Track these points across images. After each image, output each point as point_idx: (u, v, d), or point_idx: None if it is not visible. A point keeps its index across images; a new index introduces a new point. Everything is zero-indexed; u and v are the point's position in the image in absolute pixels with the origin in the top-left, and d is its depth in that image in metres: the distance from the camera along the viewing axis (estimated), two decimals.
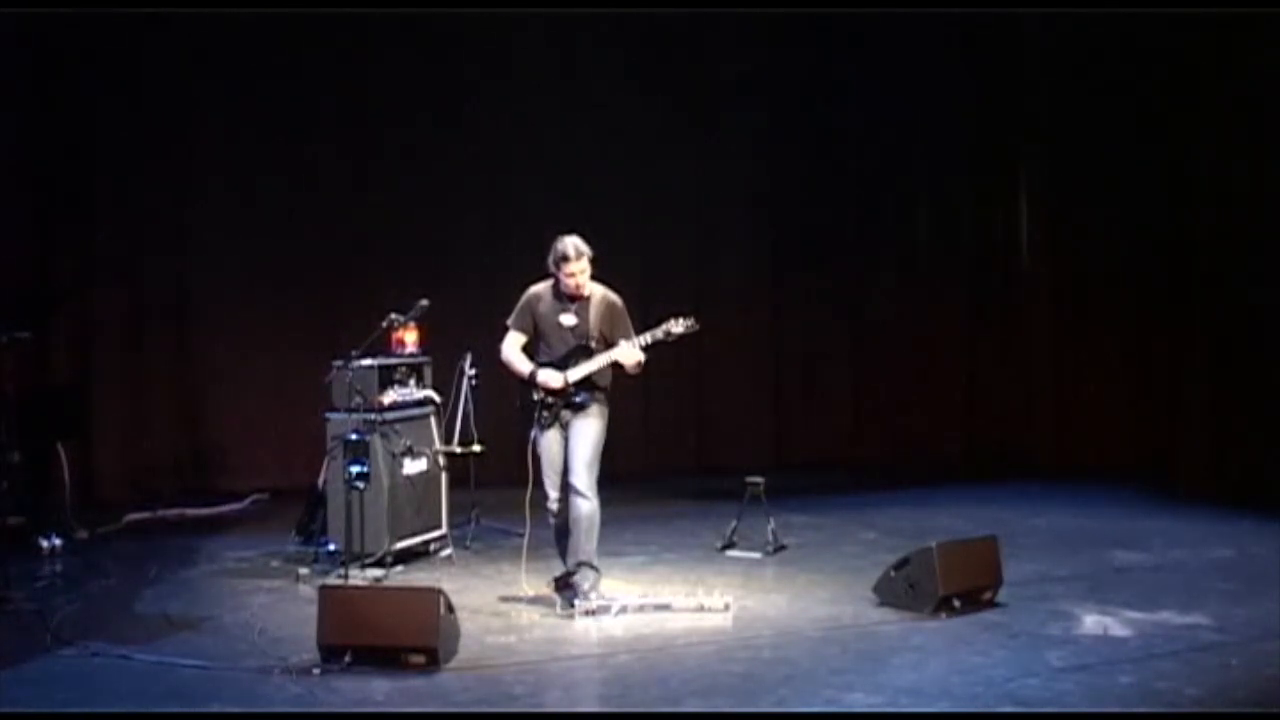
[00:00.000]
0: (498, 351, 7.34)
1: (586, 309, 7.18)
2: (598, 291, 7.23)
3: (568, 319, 7.19)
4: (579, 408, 7.15)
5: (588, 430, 7.14)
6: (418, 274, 10.52)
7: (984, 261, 13.08)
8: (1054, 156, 12.48)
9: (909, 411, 12.84)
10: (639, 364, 7.11)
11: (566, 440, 7.17)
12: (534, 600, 7.28)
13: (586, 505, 7.08)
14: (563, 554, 7.33)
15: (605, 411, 7.22)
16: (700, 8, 11.61)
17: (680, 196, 12.29)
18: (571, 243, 7.09)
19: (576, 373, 7.13)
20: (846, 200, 12.80)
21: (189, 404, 11.08)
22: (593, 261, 7.14)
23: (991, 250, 13.09)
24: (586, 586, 7.09)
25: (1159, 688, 5.73)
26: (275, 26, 10.81)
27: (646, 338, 7.11)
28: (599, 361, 7.11)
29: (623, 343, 7.09)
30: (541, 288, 7.29)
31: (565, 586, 7.21)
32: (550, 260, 7.13)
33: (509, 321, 7.32)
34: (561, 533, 7.28)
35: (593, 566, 7.15)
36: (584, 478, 7.08)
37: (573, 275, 7.09)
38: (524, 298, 7.32)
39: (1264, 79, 10.37)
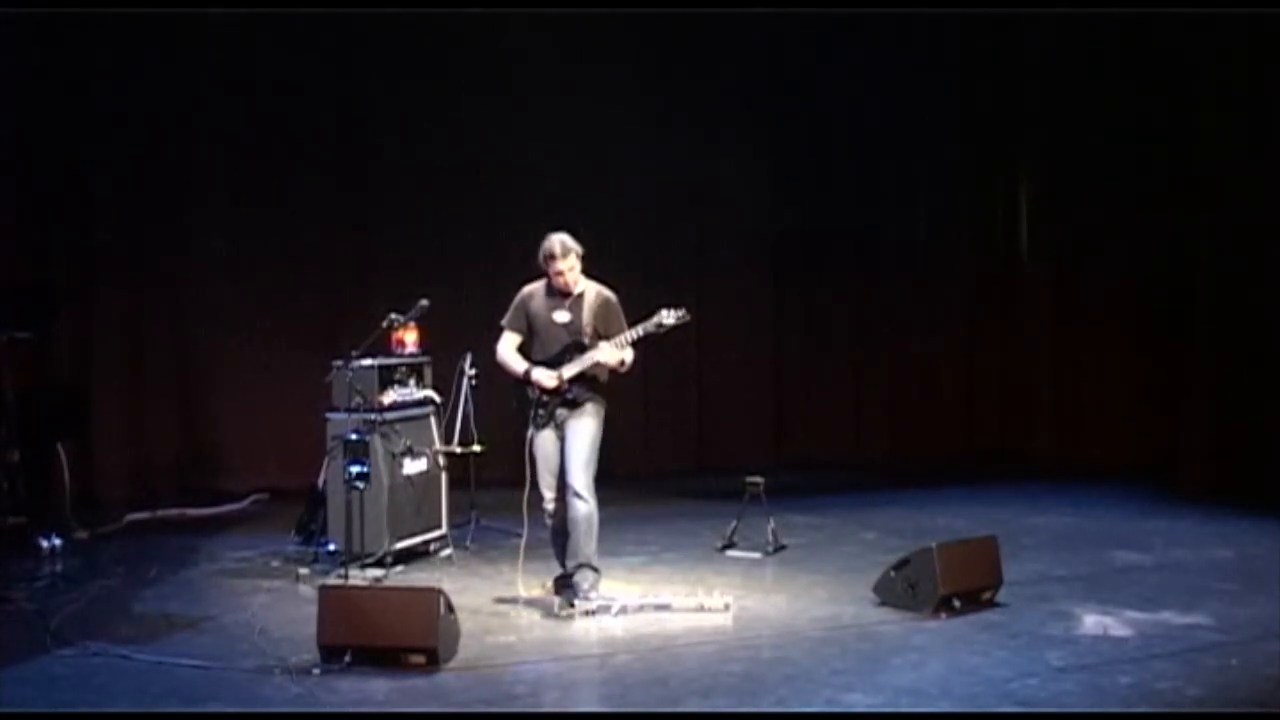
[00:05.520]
0: (494, 353, 7.35)
1: (580, 305, 7.19)
2: (591, 288, 7.25)
3: (561, 315, 7.20)
4: (575, 405, 7.15)
5: (583, 430, 7.13)
6: (418, 274, 10.53)
7: (984, 261, 13.09)
8: (1054, 156, 12.49)
9: (909, 411, 12.84)
10: (623, 363, 7.11)
11: (562, 440, 7.16)
12: (533, 600, 7.27)
13: (584, 506, 7.07)
14: (559, 555, 7.34)
15: (601, 410, 7.21)
16: (700, 8, 11.60)
17: (680, 197, 12.30)
18: (558, 240, 7.10)
19: (570, 370, 7.13)
20: (846, 201, 12.79)
21: (189, 404, 11.08)
22: (584, 258, 7.15)
23: (991, 250, 13.10)
24: (586, 587, 7.09)
25: (1159, 688, 5.73)
26: (275, 26, 10.81)
27: (639, 330, 7.11)
28: (585, 361, 7.11)
29: (602, 344, 7.09)
30: (535, 286, 7.31)
31: (565, 587, 7.22)
32: (540, 259, 7.15)
33: (504, 322, 7.33)
34: (558, 534, 7.28)
35: (592, 567, 7.15)
36: (581, 478, 7.07)
37: (560, 273, 7.10)
38: (517, 297, 7.33)
39: (1265, 76, 10.37)
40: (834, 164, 12.69)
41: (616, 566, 7.90)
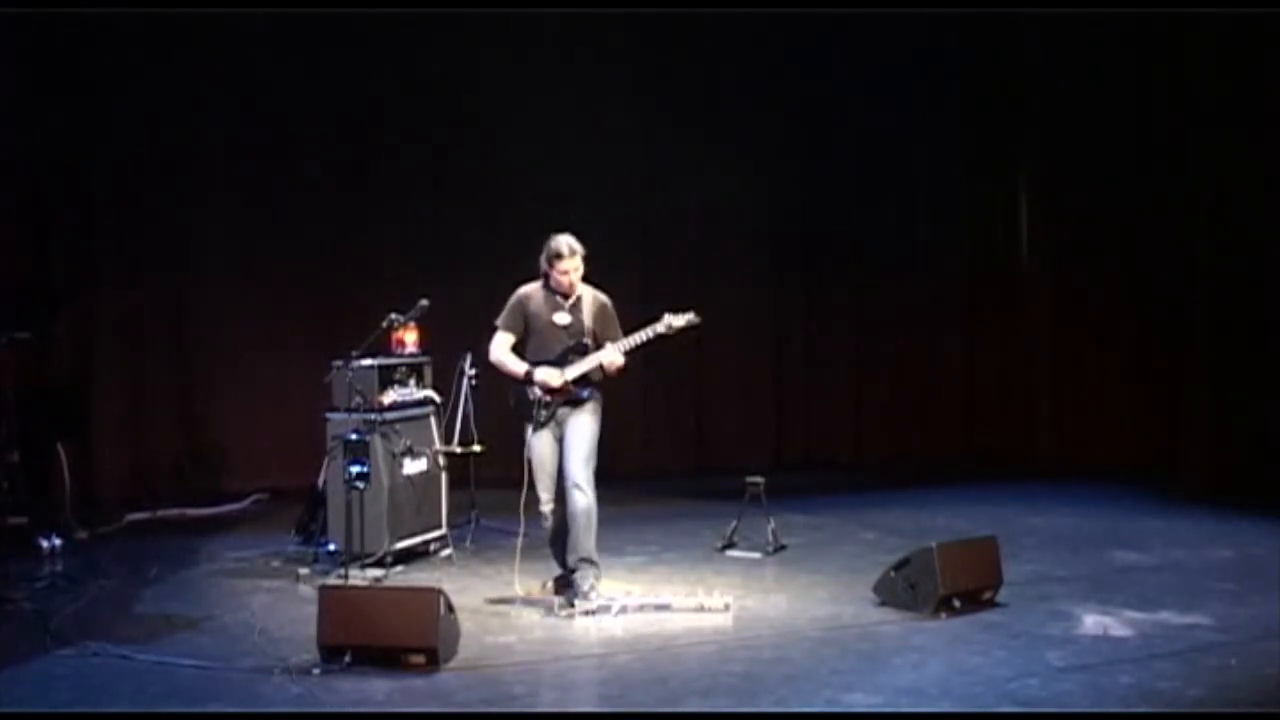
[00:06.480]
0: (488, 353, 7.36)
1: (579, 308, 7.21)
2: (588, 292, 7.27)
3: (561, 318, 7.21)
4: (576, 404, 7.17)
5: (583, 426, 7.15)
6: (418, 274, 10.53)
7: (984, 262, 13.09)
8: (1054, 157, 12.49)
9: (909, 411, 12.85)
10: (620, 368, 7.13)
11: (561, 440, 7.18)
12: (533, 600, 7.27)
13: (583, 500, 7.08)
14: (557, 556, 7.37)
15: (600, 407, 7.24)
16: (702, 9, 11.61)
17: (681, 197, 12.29)
18: (565, 241, 7.14)
19: (573, 371, 7.14)
20: (847, 201, 12.81)
21: (189, 404, 11.08)
22: (585, 260, 7.17)
23: (991, 250, 13.10)
24: (587, 586, 7.10)
25: (1159, 688, 5.73)
26: (276, 26, 10.81)
27: (648, 332, 7.12)
28: (589, 363, 7.13)
29: (608, 345, 7.12)
30: (531, 288, 7.31)
31: (565, 587, 7.23)
32: (543, 258, 7.17)
33: (498, 322, 7.32)
34: (556, 535, 7.30)
35: (593, 562, 7.16)
36: (582, 472, 7.09)
37: (566, 273, 7.12)
38: (514, 298, 7.32)
39: (1265, 78, 10.37)
40: (834, 165, 12.69)
41: (616, 566, 7.90)
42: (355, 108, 11.38)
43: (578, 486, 7.07)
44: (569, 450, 7.12)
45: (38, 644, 6.44)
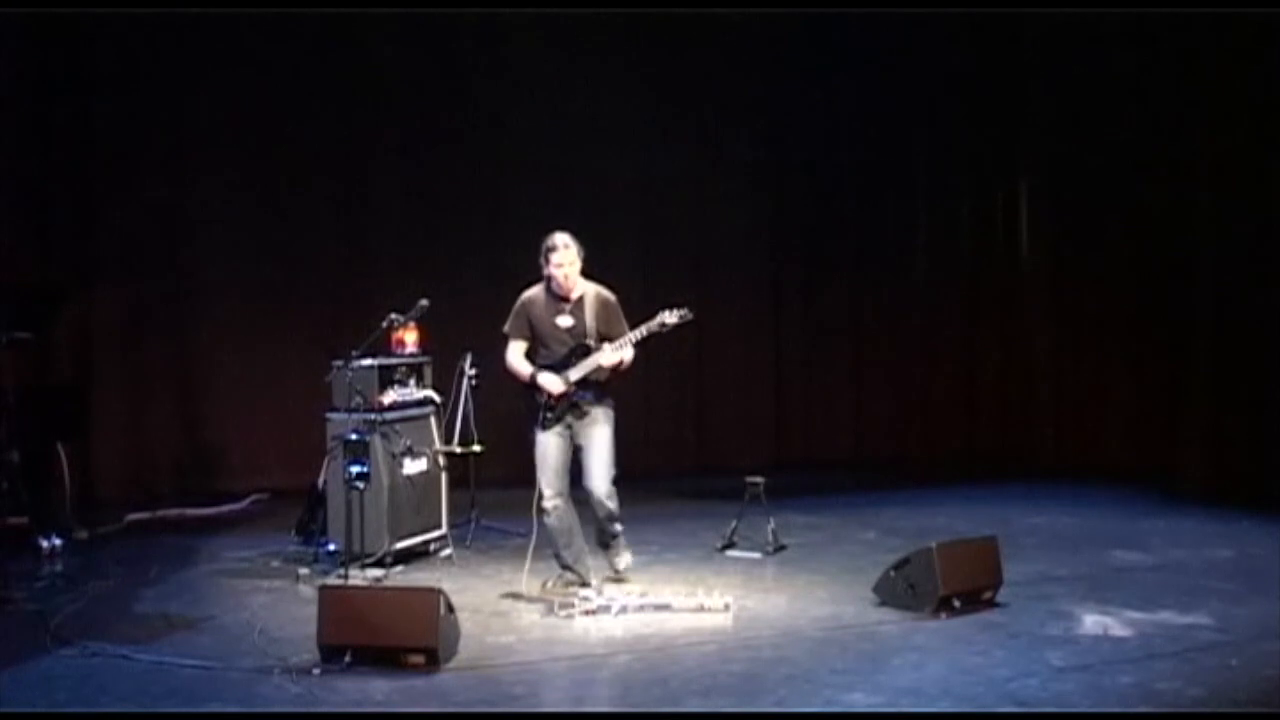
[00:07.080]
0: (501, 362, 7.41)
1: (582, 309, 7.24)
2: (590, 290, 7.30)
3: (564, 320, 7.25)
4: (585, 413, 7.24)
5: (601, 435, 7.26)
6: (418, 274, 10.53)
7: (984, 263, 13.09)
8: (1054, 156, 12.49)
9: (909, 411, 12.85)
10: (622, 362, 7.19)
11: (568, 441, 7.27)
12: (533, 600, 7.28)
13: (603, 509, 7.30)
14: (557, 554, 7.43)
15: (612, 414, 7.33)
16: (701, 8, 11.61)
17: (680, 197, 12.29)
18: (559, 235, 7.22)
19: (575, 373, 7.18)
20: (847, 200, 12.81)
21: (189, 404, 11.08)
22: (582, 259, 7.22)
23: (991, 251, 13.10)
24: (622, 555, 7.50)
25: (1159, 688, 5.73)
26: (275, 26, 10.81)
27: (642, 331, 7.17)
28: (589, 364, 7.17)
29: (605, 346, 7.17)
30: (534, 291, 7.35)
31: (570, 583, 7.33)
32: (541, 255, 7.20)
33: (506, 329, 7.38)
34: (557, 532, 7.35)
35: (618, 532, 7.52)
36: (605, 486, 7.25)
37: (561, 266, 7.17)
38: (518, 304, 7.37)
39: (1267, 79, 10.37)
40: (834, 164, 12.69)
41: None
42: (356, 108, 11.39)
43: (601, 503, 7.25)
44: (590, 464, 7.24)
45: (38, 644, 6.45)
